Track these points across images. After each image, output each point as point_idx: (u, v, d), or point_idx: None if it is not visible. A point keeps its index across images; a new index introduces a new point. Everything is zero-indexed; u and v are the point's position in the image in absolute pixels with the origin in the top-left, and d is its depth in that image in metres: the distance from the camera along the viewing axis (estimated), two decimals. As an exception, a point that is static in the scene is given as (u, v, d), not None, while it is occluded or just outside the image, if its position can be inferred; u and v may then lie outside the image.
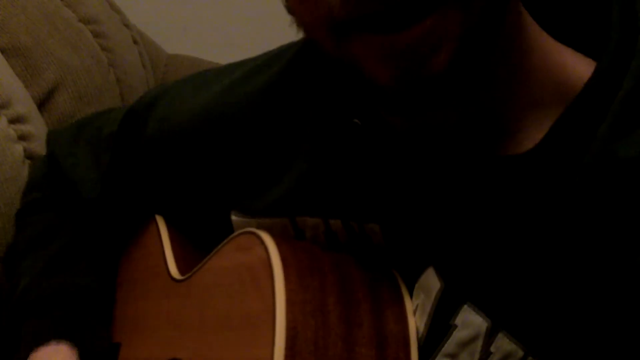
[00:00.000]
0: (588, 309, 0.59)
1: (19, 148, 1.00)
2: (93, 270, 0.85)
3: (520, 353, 0.61)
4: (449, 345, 0.63)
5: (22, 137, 1.01)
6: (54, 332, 0.79)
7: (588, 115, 0.59)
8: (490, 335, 0.62)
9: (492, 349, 0.62)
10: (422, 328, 0.65)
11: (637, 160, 0.57)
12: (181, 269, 0.80)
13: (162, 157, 0.80)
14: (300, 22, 0.59)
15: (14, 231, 0.92)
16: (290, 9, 0.59)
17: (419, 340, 0.65)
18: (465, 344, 0.63)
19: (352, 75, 0.58)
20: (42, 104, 1.13)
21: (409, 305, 0.66)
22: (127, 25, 1.36)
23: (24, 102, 1.06)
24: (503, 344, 0.61)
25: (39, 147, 1.02)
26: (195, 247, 0.82)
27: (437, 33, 0.53)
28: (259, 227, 0.71)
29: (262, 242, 0.66)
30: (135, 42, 1.36)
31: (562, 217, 0.59)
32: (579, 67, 0.61)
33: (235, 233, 0.71)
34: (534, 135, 0.61)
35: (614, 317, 0.59)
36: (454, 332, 0.63)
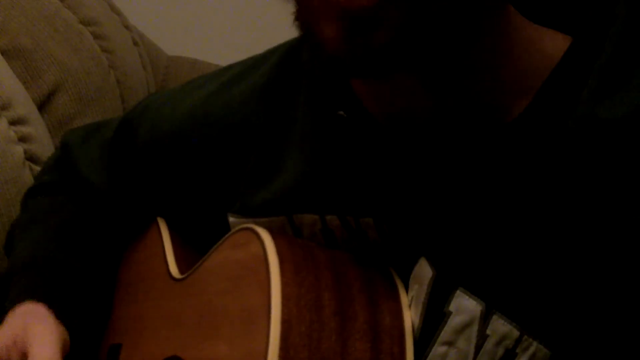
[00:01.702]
0: (581, 281, 0.59)
1: (19, 150, 1.00)
2: (91, 254, 0.85)
3: (516, 333, 0.62)
4: (446, 333, 0.64)
5: (22, 139, 1.01)
6: (38, 292, 0.78)
7: (568, 83, 0.60)
8: (485, 319, 0.62)
9: (488, 331, 0.62)
10: (417, 319, 0.65)
11: (619, 121, 0.58)
12: (181, 268, 0.80)
13: (156, 163, 0.81)
14: None
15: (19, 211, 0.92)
16: None
17: (415, 331, 0.65)
18: (461, 329, 0.63)
19: (302, 31, 0.60)
20: (43, 105, 1.13)
21: (405, 301, 0.66)
22: (127, 26, 1.36)
23: (24, 103, 1.06)
24: (498, 325, 0.62)
25: (39, 148, 1.03)
26: (196, 248, 0.82)
27: (383, 11, 0.55)
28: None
29: (259, 238, 0.66)
30: (135, 43, 1.37)
31: (548, 187, 0.60)
32: (558, 46, 0.62)
33: (233, 230, 0.72)
34: (516, 111, 0.62)
35: (608, 288, 0.59)
36: (449, 319, 0.63)
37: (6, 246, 0.91)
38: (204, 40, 1.59)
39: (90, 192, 0.87)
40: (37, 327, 0.73)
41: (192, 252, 0.82)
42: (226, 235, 0.72)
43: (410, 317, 0.65)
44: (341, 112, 0.67)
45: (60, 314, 0.77)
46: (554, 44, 0.63)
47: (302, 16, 0.59)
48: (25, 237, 0.86)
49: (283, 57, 0.74)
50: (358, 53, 0.57)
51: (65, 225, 0.86)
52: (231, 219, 0.75)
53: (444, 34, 0.58)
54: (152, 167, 0.81)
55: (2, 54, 1.10)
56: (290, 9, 0.60)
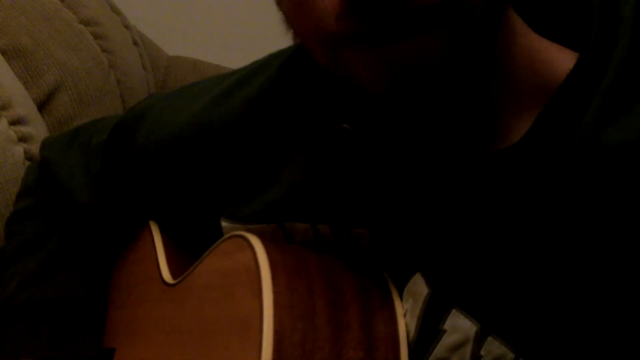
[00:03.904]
0: (579, 306, 0.59)
1: (19, 150, 1.00)
2: (83, 276, 0.85)
3: (511, 356, 0.61)
4: (439, 350, 0.63)
5: (22, 139, 1.01)
6: (36, 344, 0.79)
7: (571, 105, 0.59)
8: (479, 339, 0.62)
9: (482, 352, 0.62)
10: (412, 332, 0.65)
11: (621, 147, 0.56)
12: (174, 273, 0.80)
13: (152, 168, 0.80)
14: (295, 33, 0.60)
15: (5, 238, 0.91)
16: (285, 20, 0.60)
17: (409, 344, 0.64)
18: (454, 348, 0.63)
19: (343, 84, 0.59)
20: (43, 105, 1.13)
21: (399, 308, 0.65)
22: (127, 26, 1.36)
23: (24, 103, 1.06)
24: (493, 347, 0.61)
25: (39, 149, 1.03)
26: (188, 253, 0.82)
27: (422, 50, 0.54)
28: (248, 232, 0.71)
29: (250, 245, 0.65)
30: (135, 43, 1.37)
31: (549, 211, 0.59)
32: (563, 61, 0.61)
33: (225, 236, 0.71)
34: (520, 130, 0.61)
35: (605, 314, 0.58)
36: (443, 337, 0.63)
37: None
38: (204, 40, 1.59)
39: (78, 210, 0.86)
40: None
41: (185, 255, 0.82)
42: (218, 242, 0.72)
43: (404, 325, 0.65)
44: (345, 126, 0.66)
45: (64, 354, 0.79)
46: (560, 59, 0.62)
47: (339, 69, 0.58)
48: (13, 274, 0.85)
49: (285, 64, 0.73)
50: (405, 92, 0.56)
51: (54, 256, 0.85)
52: (223, 224, 0.74)
53: (483, 46, 0.57)
54: (148, 171, 0.81)
55: (2, 54, 1.10)
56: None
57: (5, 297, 0.83)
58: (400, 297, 0.66)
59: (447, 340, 0.63)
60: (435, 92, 0.56)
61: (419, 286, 0.64)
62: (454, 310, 0.63)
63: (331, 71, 0.59)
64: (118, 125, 0.84)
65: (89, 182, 0.86)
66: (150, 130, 0.80)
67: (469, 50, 0.55)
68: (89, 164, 0.86)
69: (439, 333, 0.63)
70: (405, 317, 0.65)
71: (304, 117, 0.70)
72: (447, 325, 0.63)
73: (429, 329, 0.64)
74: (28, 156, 1.01)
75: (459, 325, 0.62)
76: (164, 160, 0.79)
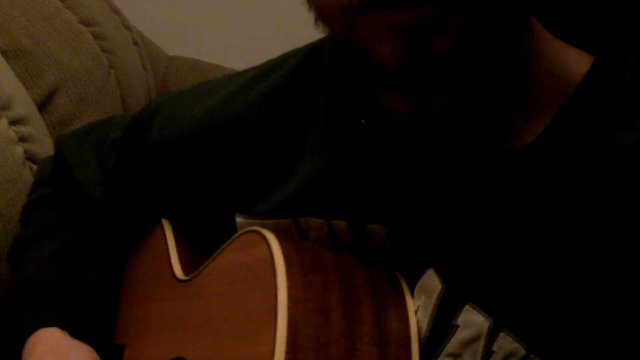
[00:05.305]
0: (591, 304, 0.59)
1: (19, 150, 1.00)
2: (99, 267, 0.85)
3: (523, 351, 0.61)
4: (452, 345, 0.64)
5: (22, 139, 1.02)
6: (53, 316, 0.80)
7: (588, 106, 0.60)
8: (492, 335, 0.62)
9: (494, 347, 0.62)
10: (424, 328, 0.65)
11: (636, 148, 0.57)
12: (186, 270, 0.80)
13: (166, 164, 0.80)
14: (313, 6, 0.60)
15: (19, 226, 0.92)
16: None
17: (421, 340, 0.65)
18: (467, 343, 0.63)
19: (356, 59, 0.59)
20: (43, 105, 1.13)
21: (411, 305, 0.66)
22: (127, 26, 1.37)
23: (24, 103, 1.06)
24: (505, 342, 0.62)
25: (40, 148, 1.03)
26: (201, 249, 0.82)
27: (439, 19, 0.54)
28: (262, 227, 0.71)
29: (266, 241, 0.66)
30: (135, 43, 1.37)
31: (563, 210, 0.60)
32: (580, 64, 0.62)
33: (239, 232, 0.71)
34: (535, 130, 0.62)
35: (617, 312, 0.59)
36: (456, 332, 0.63)
37: (10, 259, 0.92)
38: (204, 40, 1.59)
39: (91, 205, 0.86)
40: (75, 353, 0.77)
41: (197, 253, 0.82)
42: (232, 237, 0.72)
43: (416, 322, 0.65)
44: (363, 121, 0.67)
45: (75, 334, 0.79)
46: (577, 61, 0.62)
47: (356, 42, 0.57)
48: (31, 256, 0.86)
49: (302, 61, 0.73)
50: (420, 65, 0.56)
51: (71, 242, 0.86)
52: (238, 219, 0.74)
53: (499, 39, 0.57)
54: (162, 167, 0.81)
55: (2, 54, 1.10)
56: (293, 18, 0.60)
57: (24, 278, 0.85)
58: (412, 293, 0.66)
59: (459, 335, 0.63)
60: (446, 68, 0.56)
61: (432, 282, 0.65)
62: (467, 306, 0.63)
63: (348, 43, 0.59)
64: (133, 121, 0.85)
65: (102, 178, 0.86)
66: (164, 126, 0.80)
67: (483, 37, 0.56)
68: (103, 160, 0.86)
69: (451, 328, 0.64)
70: (417, 313, 0.65)
71: (320, 113, 0.70)
72: (460, 320, 0.63)
73: (442, 324, 0.64)
74: (28, 156, 1.01)
75: (472, 321, 0.63)
76: (178, 155, 0.79)
